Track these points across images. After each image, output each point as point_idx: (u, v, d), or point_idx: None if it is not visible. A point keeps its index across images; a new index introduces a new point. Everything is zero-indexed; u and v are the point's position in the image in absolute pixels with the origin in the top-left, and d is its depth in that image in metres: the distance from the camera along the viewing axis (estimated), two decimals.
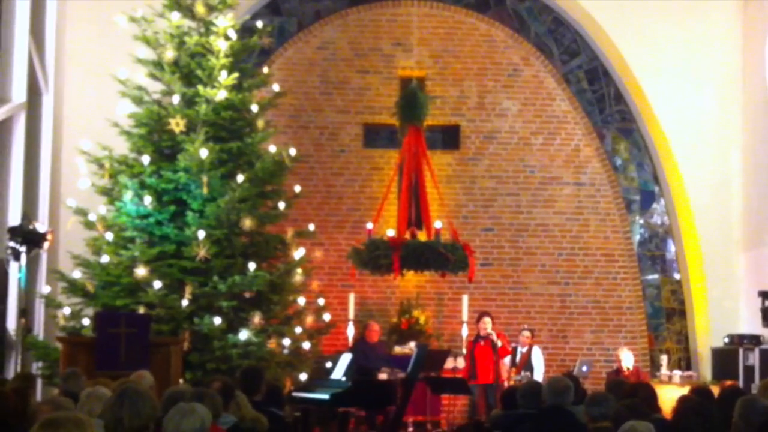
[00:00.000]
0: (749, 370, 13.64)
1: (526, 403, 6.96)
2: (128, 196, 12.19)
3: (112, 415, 4.58)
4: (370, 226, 13.68)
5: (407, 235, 13.37)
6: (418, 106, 13.71)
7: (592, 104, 15.85)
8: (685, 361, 15.40)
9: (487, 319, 13.68)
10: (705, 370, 14.81)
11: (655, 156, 15.67)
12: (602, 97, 15.87)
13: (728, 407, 5.87)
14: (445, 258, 13.01)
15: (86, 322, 11.92)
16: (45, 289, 12.62)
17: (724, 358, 14.08)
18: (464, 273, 13.62)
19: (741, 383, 13.42)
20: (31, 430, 4.22)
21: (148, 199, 12.10)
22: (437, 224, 13.49)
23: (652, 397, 6.95)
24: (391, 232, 13.65)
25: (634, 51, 15.22)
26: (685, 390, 11.60)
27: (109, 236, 12.17)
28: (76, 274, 12.27)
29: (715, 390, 10.40)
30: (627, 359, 13.68)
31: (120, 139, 12.60)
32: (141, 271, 11.77)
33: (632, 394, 6.78)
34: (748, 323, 14.24)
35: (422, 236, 13.51)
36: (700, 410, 5.43)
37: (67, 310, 12.08)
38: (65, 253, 12.69)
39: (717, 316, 14.90)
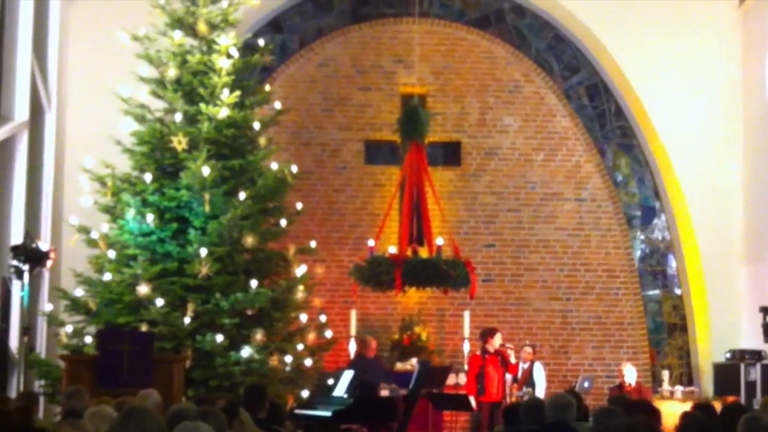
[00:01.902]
0: (751, 385, 13.63)
1: (529, 419, 6.94)
2: (131, 213, 12.21)
3: None
4: (371, 242, 13.70)
5: (409, 252, 13.38)
6: (419, 123, 13.73)
7: (592, 120, 15.90)
8: (686, 376, 15.39)
9: (499, 335, 13.63)
10: (707, 385, 14.81)
11: (656, 171, 15.70)
12: (603, 113, 15.91)
13: (731, 424, 5.87)
14: (447, 275, 13.02)
15: (88, 339, 11.93)
16: (47, 306, 12.63)
17: (726, 374, 14.07)
18: (466, 289, 13.63)
19: (743, 399, 13.42)
20: None
21: (150, 217, 12.12)
22: (439, 241, 13.50)
23: (655, 414, 6.95)
24: (392, 249, 13.66)
25: (634, 67, 15.27)
26: (687, 405, 11.60)
27: (112, 254, 12.19)
28: (79, 291, 12.28)
29: (717, 406, 10.43)
30: (630, 375, 13.67)
31: (122, 157, 12.65)
32: (143, 289, 11.79)
33: (635, 410, 6.78)
34: (750, 338, 14.23)
35: (423, 253, 13.51)
36: (704, 427, 5.43)
37: (69, 328, 12.09)
38: (67, 271, 12.72)
39: (718, 331, 14.89)
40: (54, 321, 12.35)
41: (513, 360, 13.42)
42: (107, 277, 12.14)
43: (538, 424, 6.88)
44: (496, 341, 13.49)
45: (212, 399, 6.86)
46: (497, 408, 13.25)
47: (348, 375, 12.22)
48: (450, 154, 15.81)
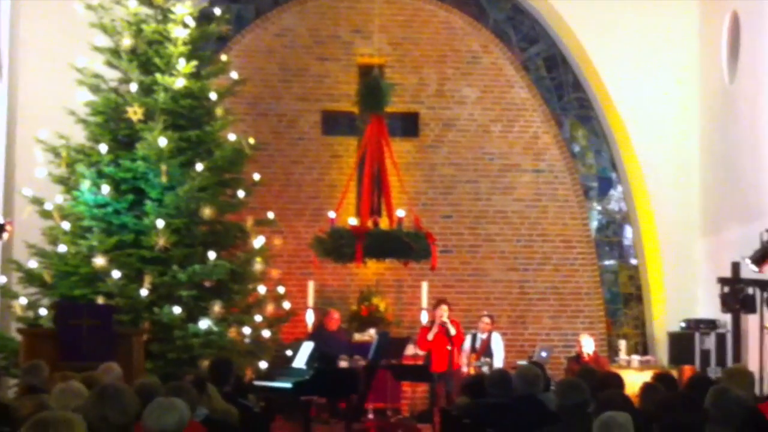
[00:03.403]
0: (705, 353, 13.83)
1: (497, 392, 6.96)
2: (86, 185, 12.05)
3: (96, 414, 4.51)
4: (332, 215, 13.62)
5: (370, 224, 13.35)
6: (380, 95, 13.67)
7: (550, 91, 15.91)
8: (642, 345, 15.54)
9: (444, 307, 13.70)
10: (661, 354, 14.96)
11: (613, 143, 15.78)
12: (560, 84, 15.93)
13: (697, 397, 5.91)
14: (409, 247, 13.02)
15: (43, 312, 11.78)
16: (1, 279, 12.45)
17: (681, 343, 14.23)
18: (425, 260, 13.63)
19: (698, 367, 13.61)
20: (20, 430, 4.16)
21: (106, 188, 11.97)
22: (400, 213, 13.47)
23: (622, 386, 6.99)
24: (353, 221, 13.61)
25: (592, 39, 15.28)
26: (644, 374, 11.73)
27: (66, 226, 12.03)
28: (32, 263, 12.12)
29: (674, 374, 10.56)
30: (588, 345, 13.77)
31: (77, 127, 12.45)
32: (99, 261, 11.65)
33: (602, 384, 6.81)
34: (704, 308, 14.40)
35: (384, 224, 13.48)
36: (668, 399, 5.46)
37: (23, 300, 11.93)
38: (20, 243, 12.52)
39: (673, 301, 15.04)
40: (8, 293, 12.20)
41: (453, 331, 13.46)
42: (62, 249, 11.98)
43: (504, 396, 6.90)
44: (438, 313, 13.58)
45: (180, 375, 6.81)
46: (447, 377, 13.35)
47: (308, 346, 12.18)
48: (408, 125, 15.74)
